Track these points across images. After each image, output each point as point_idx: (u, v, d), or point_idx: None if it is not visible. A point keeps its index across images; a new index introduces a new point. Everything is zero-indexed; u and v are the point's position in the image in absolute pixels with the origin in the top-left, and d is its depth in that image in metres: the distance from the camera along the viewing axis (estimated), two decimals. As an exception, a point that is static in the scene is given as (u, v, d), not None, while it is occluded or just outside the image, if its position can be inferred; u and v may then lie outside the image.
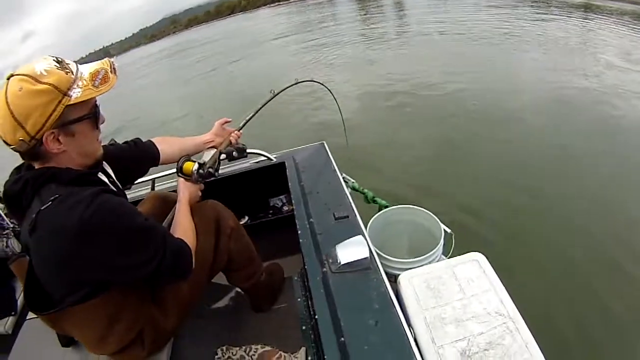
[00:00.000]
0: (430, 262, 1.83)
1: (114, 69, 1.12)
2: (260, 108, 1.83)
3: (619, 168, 3.85)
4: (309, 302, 1.60)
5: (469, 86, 6.87)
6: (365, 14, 22.42)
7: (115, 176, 1.34)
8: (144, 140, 1.61)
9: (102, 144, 1.23)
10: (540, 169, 4.07)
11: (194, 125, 8.23)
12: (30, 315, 1.80)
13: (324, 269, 1.38)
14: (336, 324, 1.18)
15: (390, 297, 1.23)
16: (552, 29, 10.78)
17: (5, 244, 2.39)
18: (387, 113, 6.49)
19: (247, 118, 1.81)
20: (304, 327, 1.59)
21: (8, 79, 0.99)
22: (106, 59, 1.15)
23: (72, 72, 1.03)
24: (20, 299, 2.35)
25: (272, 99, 1.87)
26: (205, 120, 7.94)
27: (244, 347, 1.56)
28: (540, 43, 9.42)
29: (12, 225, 2.47)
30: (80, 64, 1.09)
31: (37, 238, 0.98)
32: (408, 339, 1.12)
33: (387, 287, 1.27)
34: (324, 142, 2.32)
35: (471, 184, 3.99)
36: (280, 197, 2.49)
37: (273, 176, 2.28)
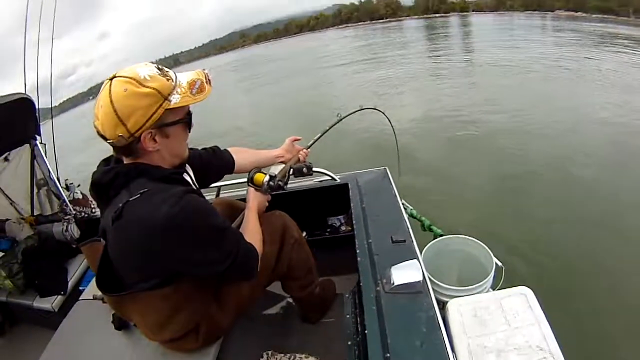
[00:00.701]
0: (479, 292, 1.91)
1: (209, 79, 1.20)
2: (328, 130, 1.93)
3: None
4: (358, 319, 1.68)
5: (532, 125, 6.78)
6: (432, 44, 22.24)
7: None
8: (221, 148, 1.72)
9: None
10: (595, 212, 3.99)
11: (255, 139, 8.54)
12: (84, 296, 1.88)
13: (378, 288, 1.44)
14: (384, 341, 1.24)
15: (438, 321, 1.28)
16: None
17: (65, 228, 2.64)
18: (446, 145, 6.52)
19: (316, 138, 1.91)
20: (349, 343, 1.64)
21: (111, 79, 1.07)
22: (200, 69, 1.23)
23: (172, 80, 1.12)
24: (71, 281, 2.54)
25: (337, 122, 1.97)
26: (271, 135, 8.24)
27: (288, 355, 1.64)
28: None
29: (74, 212, 2.74)
30: (178, 73, 1.19)
31: (120, 226, 1.07)
32: None
33: (435, 312, 1.31)
34: (387, 167, 2.38)
35: (525, 221, 3.97)
36: (339, 217, 2.57)
37: (334, 196, 2.36)
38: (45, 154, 2.76)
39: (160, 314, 1.25)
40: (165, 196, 1.07)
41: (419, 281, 1.41)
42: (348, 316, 1.79)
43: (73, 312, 1.82)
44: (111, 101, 1.04)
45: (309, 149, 1.89)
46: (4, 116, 2.33)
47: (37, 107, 2.56)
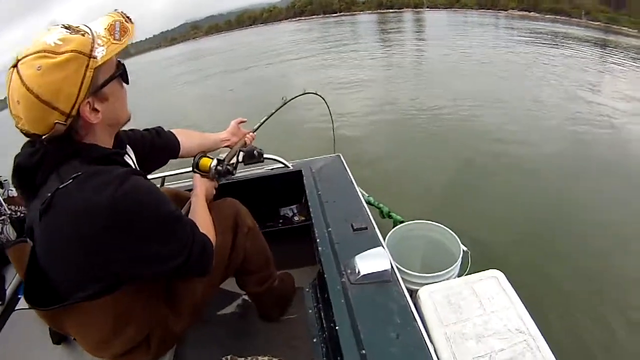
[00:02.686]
0: (448, 279, 1.84)
1: (127, 18, 1.03)
2: (273, 113, 1.85)
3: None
4: (322, 314, 1.60)
5: (494, 111, 7.04)
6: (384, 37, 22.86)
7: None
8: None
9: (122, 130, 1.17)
10: (550, 192, 4.13)
11: (209, 123, 8.22)
12: (21, 305, 1.74)
13: (343, 279, 1.35)
14: (357, 336, 1.16)
15: (411, 310, 1.21)
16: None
17: (0, 230, 2.34)
18: (398, 135, 6.57)
19: (262, 121, 1.81)
20: (314, 340, 1.56)
21: (14, 66, 0.88)
22: (114, 10, 1.05)
23: (88, 33, 0.93)
24: (9, 289, 2.26)
25: (282, 105, 1.89)
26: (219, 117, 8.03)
27: (250, 358, 1.49)
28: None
29: (9, 212, 2.41)
30: (89, 23, 1.00)
31: (50, 220, 0.89)
32: (430, 353, 1.10)
33: (407, 301, 1.25)
34: (340, 154, 2.31)
35: (482, 205, 4.01)
36: (292, 207, 2.46)
37: (287, 184, 2.26)
38: None
39: (103, 327, 1.05)
40: (106, 179, 0.89)
41: (387, 270, 1.33)
42: (311, 311, 1.70)
43: (8, 325, 1.67)
44: (28, 89, 0.85)
45: (255, 133, 1.76)
46: None
47: None
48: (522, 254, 3.12)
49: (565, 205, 3.80)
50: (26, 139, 1.00)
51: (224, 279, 1.44)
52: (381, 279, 1.32)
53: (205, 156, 1.50)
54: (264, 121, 1.82)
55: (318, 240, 1.59)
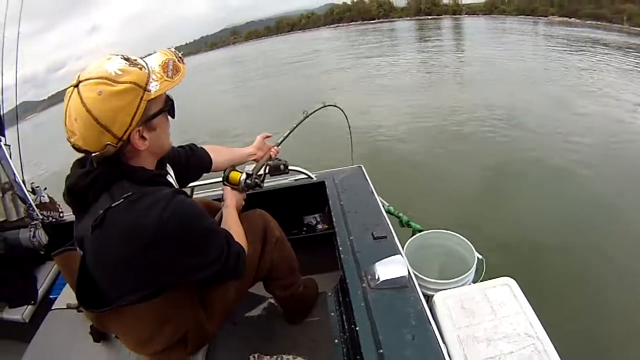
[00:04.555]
0: (462, 285, 1.92)
1: (180, 58, 1.12)
2: (295, 127, 1.91)
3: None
4: (343, 317, 1.68)
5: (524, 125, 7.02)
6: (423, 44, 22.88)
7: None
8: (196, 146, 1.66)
9: None
10: (565, 203, 4.22)
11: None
12: (57, 305, 1.82)
13: (363, 285, 1.44)
14: (375, 337, 1.24)
15: (427, 314, 1.30)
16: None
17: (32, 234, 2.41)
18: (421, 145, 6.66)
19: (285, 135, 1.89)
20: (336, 341, 1.63)
21: (76, 86, 0.96)
22: (166, 49, 1.13)
23: (145, 67, 1.03)
24: (41, 289, 2.39)
25: (304, 119, 1.95)
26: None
27: (275, 356, 1.60)
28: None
29: (41, 217, 2.53)
30: (142, 58, 1.09)
31: (101, 234, 0.97)
32: (443, 354, 1.17)
33: (423, 305, 1.33)
34: (362, 165, 2.40)
35: (499, 215, 4.12)
36: (315, 215, 2.54)
37: (310, 194, 2.35)
38: (10, 156, 2.51)
39: (146, 327, 1.16)
40: (154, 200, 0.99)
41: (404, 276, 1.42)
42: (333, 314, 1.78)
43: (46, 323, 1.75)
44: (88, 110, 0.93)
45: (279, 146, 1.85)
46: None
47: (2, 105, 2.39)
48: (539, 264, 3.18)
49: (591, 218, 3.86)
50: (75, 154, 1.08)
51: (252, 284, 1.56)
52: (399, 285, 1.41)
53: (234, 170, 1.58)
54: (287, 135, 1.89)
55: (341, 247, 1.68)
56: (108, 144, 0.97)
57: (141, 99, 0.99)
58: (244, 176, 1.54)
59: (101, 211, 0.97)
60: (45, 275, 2.48)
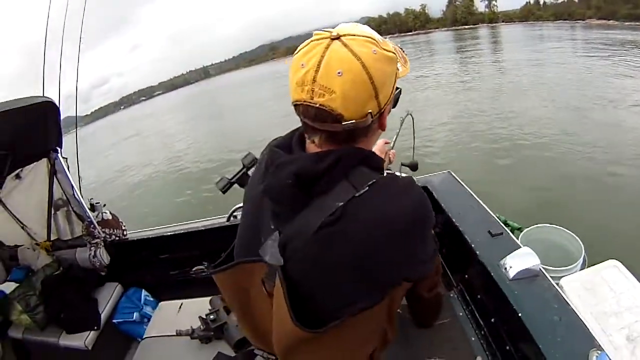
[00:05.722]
0: (576, 271, 2.20)
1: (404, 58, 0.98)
2: (399, 131, 1.83)
3: None
4: (476, 314, 1.73)
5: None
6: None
7: None
8: None
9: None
10: None
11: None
12: (150, 333, 1.77)
13: (498, 278, 1.51)
14: (520, 325, 1.30)
15: (564, 297, 1.37)
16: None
17: (93, 254, 2.29)
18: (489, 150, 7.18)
19: (394, 139, 1.81)
20: (473, 339, 1.65)
21: (335, 38, 0.79)
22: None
23: None
24: (103, 313, 2.25)
25: (403, 120, 1.83)
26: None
27: None
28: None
29: (102, 235, 2.36)
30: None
31: (334, 232, 0.80)
32: (589, 330, 1.24)
33: (557, 290, 1.40)
34: (451, 170, 2.40)
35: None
36: None
37: None
38: (68, 169, 2.36)
39: (349, 346, 0.95)
40: (400, 185, 0.87)
41: (537, 264, 1.48)
42: (461, 314, 1.79)
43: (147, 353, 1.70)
44: (363, 65, 0.77)
45: (393, 150, 1.78)
46: (22, 123, 1.94)
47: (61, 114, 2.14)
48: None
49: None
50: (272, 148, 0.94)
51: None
52: (531, 274, 1.49)
53: None
54: (395, 139, 1.80)
55: (472, 245, 1.72)
56: (369, 113, 0.81)
57: (396, 75, 0.88)
58: None
59: (338, 203, 0.80)
60: (107, 298, 2.34)
